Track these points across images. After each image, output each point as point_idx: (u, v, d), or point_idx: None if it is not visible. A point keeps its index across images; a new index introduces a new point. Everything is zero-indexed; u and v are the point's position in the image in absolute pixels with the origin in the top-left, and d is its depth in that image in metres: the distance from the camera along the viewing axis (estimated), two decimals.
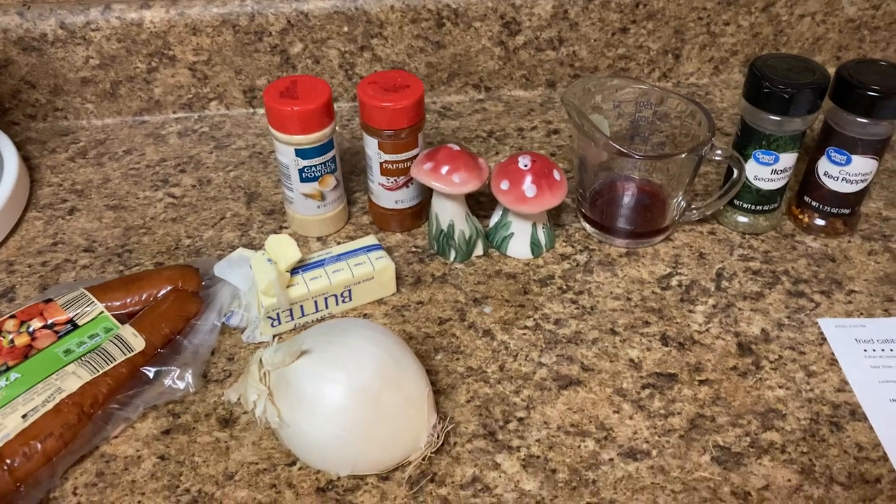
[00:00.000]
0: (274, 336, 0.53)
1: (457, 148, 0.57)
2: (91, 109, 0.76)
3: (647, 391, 0.51)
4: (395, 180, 0.60)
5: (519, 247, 0.61)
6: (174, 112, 0.78)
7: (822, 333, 0.54)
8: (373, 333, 0.44)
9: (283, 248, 0.53)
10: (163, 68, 0.74)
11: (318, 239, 0.63)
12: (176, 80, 0.76)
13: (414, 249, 0.62)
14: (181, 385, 0.50)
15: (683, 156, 0.56)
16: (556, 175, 0.58)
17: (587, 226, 0.63)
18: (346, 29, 0.74)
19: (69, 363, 0.49)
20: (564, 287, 0.59)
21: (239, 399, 0.44)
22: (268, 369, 0.44)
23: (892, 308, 0.56)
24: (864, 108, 0.55)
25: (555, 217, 0.65)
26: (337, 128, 0.75)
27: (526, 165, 0.57)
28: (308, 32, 0.74)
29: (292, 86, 0.57)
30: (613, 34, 0.77)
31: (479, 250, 0.61)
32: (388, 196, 0.61)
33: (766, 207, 0.61)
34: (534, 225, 0.60)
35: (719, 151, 0.57)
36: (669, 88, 0.62)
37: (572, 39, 0.77)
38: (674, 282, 0.59)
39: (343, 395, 0.42)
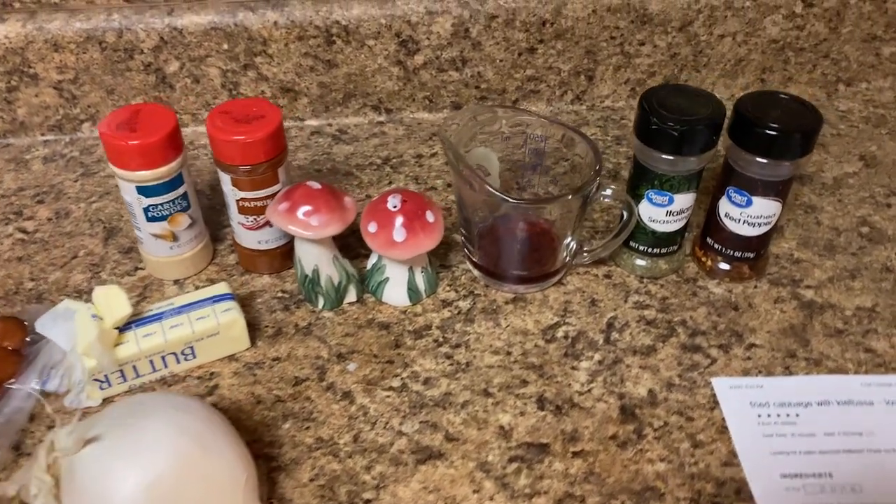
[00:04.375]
0: (82, 409, 0.47)
1: (317, 186, 0.52)
2: None
3: (514, 465, 0.45)
4: (255, 219, 0.54)
5: (395, 293, 0.55)
6: (42, 134, 0.71)
7: (714, 395, 0.49)
8: (179, 416, 0.38)
9: (111, 302, 0.47)
10: (24, 87, 0.68)
11: (175, 282, 0.57)
12: (41, 101, 0.69)
13: (281, 295, 0.56)
14: None
15: (570, 198, 0.51)
16: (430, 216, 0.53)
17: (474, 270, 0.58)
18: (226, 46, 0.68)
19: None
20: (441, 339, 0.53)
21: (20, 492, 0.38)
22: (58, 454, 0.38)
23: (793, 364, 0.52)
24: (763, 147, 0.50)
25: (442, 257, 0.59)
26: (205, 155, 0.69)
27: (395, 206, 0.52)
28: (184, 50, 0.68)
29: (134, 116, 0.51)
30: (520, 54, 0.72)
31: (351, 296, 0.55)
32: (251, 236, 0.55)
33: (665, 250, 0.56)
34: (411, 269, 0.54)
35: (608, 192, 0.52)
36: (552, 117, 0.56)
37: (476, 60, 0.72)
38: (560, 333, 0.54)
39: (132, 491, 0.36)
